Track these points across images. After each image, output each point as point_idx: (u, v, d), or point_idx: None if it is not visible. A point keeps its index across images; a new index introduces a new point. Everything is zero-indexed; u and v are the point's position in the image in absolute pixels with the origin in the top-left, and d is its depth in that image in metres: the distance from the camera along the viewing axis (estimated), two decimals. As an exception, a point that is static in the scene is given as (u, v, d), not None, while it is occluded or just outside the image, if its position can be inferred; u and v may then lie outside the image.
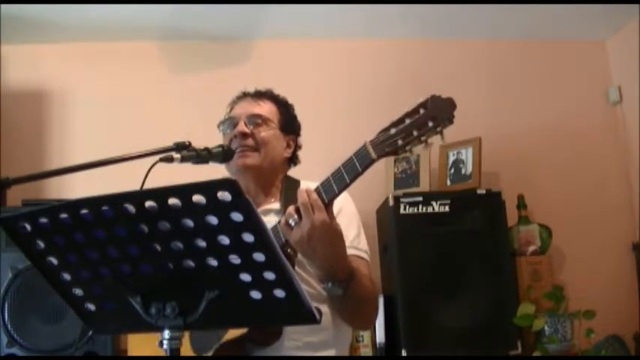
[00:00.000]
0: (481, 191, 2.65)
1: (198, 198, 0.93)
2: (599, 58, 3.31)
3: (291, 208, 1.38)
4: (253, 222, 0.94)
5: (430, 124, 1.30)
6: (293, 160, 1.84)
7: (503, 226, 2.63)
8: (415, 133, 1.31)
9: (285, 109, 1.83)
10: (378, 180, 2.86)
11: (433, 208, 2.58)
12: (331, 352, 1.61)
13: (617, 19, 3.12)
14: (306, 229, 1.34)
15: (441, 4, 2.89)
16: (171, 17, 2.94)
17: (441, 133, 1.31)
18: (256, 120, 1.73)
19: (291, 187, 1.71)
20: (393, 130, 1.32)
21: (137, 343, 1.63)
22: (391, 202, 2.60)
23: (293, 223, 1.37)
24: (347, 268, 1.46)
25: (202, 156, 1.55)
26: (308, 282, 1.56)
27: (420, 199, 2.59)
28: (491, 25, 3.15)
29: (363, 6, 2.90)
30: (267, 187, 1.75)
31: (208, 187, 0.92)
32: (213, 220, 0.94)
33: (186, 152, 1.49)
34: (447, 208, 2.58)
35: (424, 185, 2.80)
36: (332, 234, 1.38)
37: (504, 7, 2.93)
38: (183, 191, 0.93)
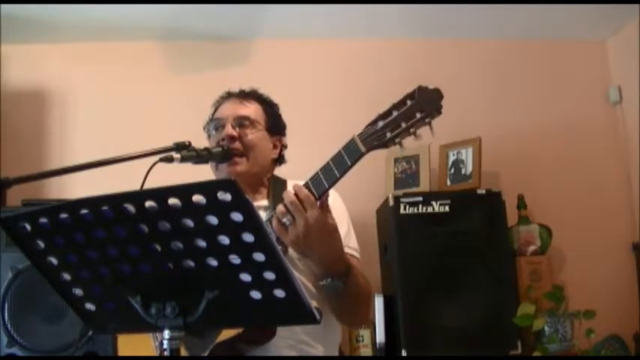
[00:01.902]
0: (481, 191, 2.65)
1: (198, 198, 0.93)
2: (599, 58, 3.31)
3: (281, 207, 1.36)
4: (253, 222, 0.94)
5: (418, 115, 1.29)
6: (279, 160, 1.83)
7: (503, 226, 2.63)
8: (403, 124, 1.29)
9: (270, 109, 1.82)
10: (378, 180, 2.86)
11: (433, 208, 2.58)
12: (319, 349, 1.61)
13: (617, 19, 3.12)
14: (301, 227, 1.33)
15: (442, 4, 2.89)
16: (171, 17, 2.94)
17: (429, 124, 1.30)
18: (243, 122, 1.71)
19: (278, 185, 1.71)
20: (380, 123, 1.31)
21: (126, 343, 1.63)
22: (391, 202, 2.59)
23: (287, 223, 1.36)
24: (344, 263, 1.45)
25: (202, 156, 1.55)
26: (299, 280, 1.56)
27: (420, 199, 2.59)
28: (492, 25, 3.15)
29: (363, 6, 2.89)
30: (255, 188, 1.75)
31: (208, 187, 0.92)
32: (213, 220, 0.94)
33: (186, 152, 1.50)
34: (447, 208, 2.58)
35: (424, 185, 2.80)
36: (327, 229, 1.36)
37: (504, 7, 2.93)
38: (183, 191, 0.93)
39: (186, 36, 3.13)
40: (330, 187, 1.35)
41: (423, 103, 1.29)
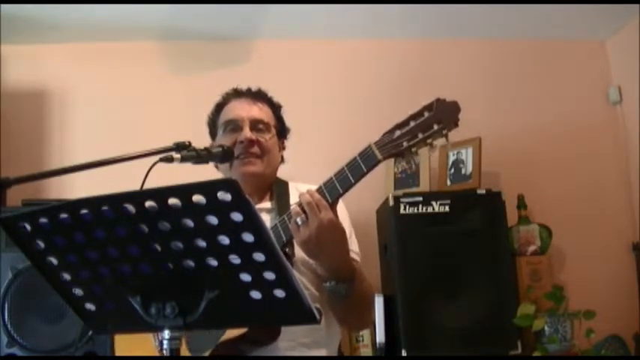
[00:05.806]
0: (481, 191, 2.64)
1: (198, 198, 0.93)
2: (599, 58, 3.31)
3: (296, 207, 1.38)
4: (253, 222, 0.94)
5: (435, 126, 1.32)
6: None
7: (503, 226, 2.63)
8: (420, 135, 1.32)
9: (278, 112, 1.83)
10: (378, 180, 2.86)
11: (433, 208, 2.58)
12: (322, 352, 1.62)
13: (617, 19, 3.12)
14: (314, 228, 1.35)
15: (441, 4, 2.89)
16: (172, 17, 2.94)
17: (446, 135, 1.32)
18: (259, 126, 1.72)
19: (280, 187, 1.73)
20: (397, 132, 1.33)
21: (124, 343, 1.64)
22: (391, 202, 2.59)
23: (300, 222, 1.37)
24: (350, 267, 1.47)
25: (202, 156, 1.55)
26: (303, 283, 1.57)
27: (420, 199, 2.59)
28: (491, 25, 3.15)
29: (363, 6, 2.89)
30: (262, 190, 1.75)
31: (208, 187, 0.92)
32: (213, 220, 0.94)
33: (186, 152, 1.50)
34: (447, 208, 2.58)
35: (424, 185, 2.80)
36: (338, 233, 1.39)
37: (504, 7, 2.93)
38: (183, 191, 0.93)
39: (186, 36, 3.13)
40: (344, 193, 1.37)
41: (441, 115, 1.32)
